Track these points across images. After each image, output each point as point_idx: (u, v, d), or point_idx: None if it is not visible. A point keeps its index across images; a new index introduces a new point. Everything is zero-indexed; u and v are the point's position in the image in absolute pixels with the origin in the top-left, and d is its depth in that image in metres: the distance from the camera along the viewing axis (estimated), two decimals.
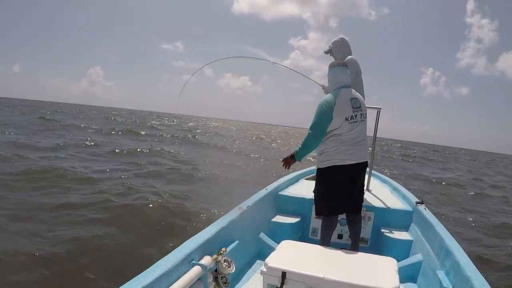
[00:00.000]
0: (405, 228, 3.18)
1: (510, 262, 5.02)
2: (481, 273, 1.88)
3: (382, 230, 3.15)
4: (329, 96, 2.71)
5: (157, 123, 43.71)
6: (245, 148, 20.35)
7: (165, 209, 6.02)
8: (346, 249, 2.64)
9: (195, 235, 2.26)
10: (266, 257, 2.09)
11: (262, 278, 2.03)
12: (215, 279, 2.20)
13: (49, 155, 10.82)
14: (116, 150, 13.20)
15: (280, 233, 3.18)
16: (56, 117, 32.51)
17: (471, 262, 2.02)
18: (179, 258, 1.96)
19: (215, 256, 2.22)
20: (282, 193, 3.64)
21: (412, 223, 3.16)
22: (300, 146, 2.80)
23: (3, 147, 11.15)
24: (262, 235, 3.06)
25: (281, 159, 2.95)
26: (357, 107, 2.69)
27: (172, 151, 14.82)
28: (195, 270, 2.01)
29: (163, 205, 6.22)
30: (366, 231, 3.26)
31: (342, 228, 3.27)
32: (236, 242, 2.59)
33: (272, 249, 2.30)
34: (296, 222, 3.33)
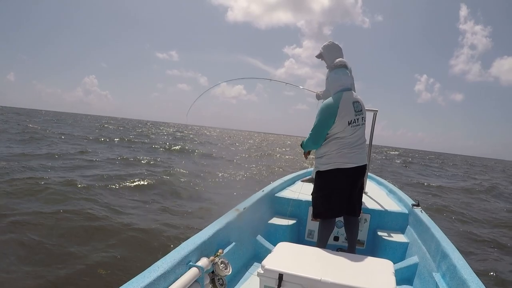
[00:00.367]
0: (401, 231, 3.20)
1: None
2: (478, 276, 1.89)
3: (379, 232, 3.16)
4: (330, 100, 2.68)
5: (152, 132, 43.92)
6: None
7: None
8: (342, 251, 2.65)
9: (192, 237, 2.25)
10: (263, 259, 2.09)
11: (259, 280, 2.02)
12: (212, 281, 2.20)
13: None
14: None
15: (276, 235, 3.18)
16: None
17: (468, 265, 2.03)
18: (176, 260, 1.95)
19: (212, 257, 2.21)
20: (278, 195, 3.64)
21: (408, 226, 3.17)
22: (302, 147, 2.89)
23: None
24: (259, 237, 3.06)
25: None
26: (359, 110, 2.68)
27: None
28: (192, 272, 2.00)
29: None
30: (362, 233, 3.27)
31: (338, 230, 3.28)
32: (233, 243, 2.58)
33: (268, 251, 2.30)
34: (293, 224, 3.33)
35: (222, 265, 2.22)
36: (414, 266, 2.61)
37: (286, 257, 2.16)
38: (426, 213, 3.02)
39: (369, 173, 4.25)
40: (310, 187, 4.18)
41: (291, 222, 3.34)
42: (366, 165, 2.81)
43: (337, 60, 2.92)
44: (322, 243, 2.82)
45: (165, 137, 35.98)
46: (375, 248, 3.13)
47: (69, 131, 27.91)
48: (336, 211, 2.81)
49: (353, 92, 2.78)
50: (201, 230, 2.38)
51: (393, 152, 63.44)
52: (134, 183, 8.82)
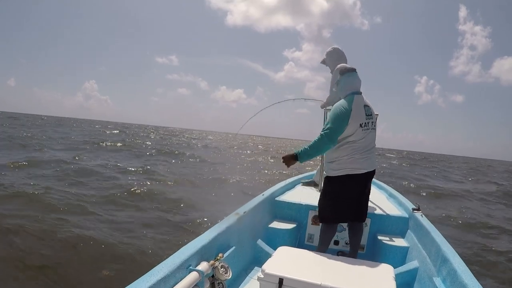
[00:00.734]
0: (402, 235, 3.19)
1: None
2: (478, 280, 1.89)
3: (379, 237, 3.16)
4: (343, 102, 2.65)
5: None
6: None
7: None
8: (343, 254, 2.64)
9: (192, 241, 2.25)
10: (263, 263, 2.09)
11: (259, 284, 2.02)
12: (212, 285, 2.19)
13: None
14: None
15: (276, 239, 3.18)
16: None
17: (468, 269, 2.02)
18: (176, 264, 1.95)
19: (212, 261, 2.21)
20: (278, 198, 3.64)
21: (409, 230, 3.17)
22: (306, 147, 2.68)
23: None
24: (259, 241, 3.05)
25: (282, 157, 2.82)
26: (369, 114, 2.67)
27: None
28: (192, 276, 2.00)
29: None
30: (362, 237, 3.26)
31: (338, 234, 3.28)
32: (233, 247, 2.58)
33: (269, 255, 2.30)
34: (293, 228, 3.33)
35: (222, 269, 2.21)
36: (414, 270, 2.61)
37: (286, 261, 2.16)
38: (427, 217, 3.02)
39: None
40: (310, 191, 4.17)
41: (291, 226, 3.34)
42: (375, 170, 2.80)
43: (343, 65, 2.91)
44: (323, 247, 2.81)
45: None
46: (375, 252, 3.13)
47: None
48: (343, 217, 2.81)
49: (363, 96, 2.76)
50: (202, 234, 2.38)
51: (389, 155, 62.53)
52: None
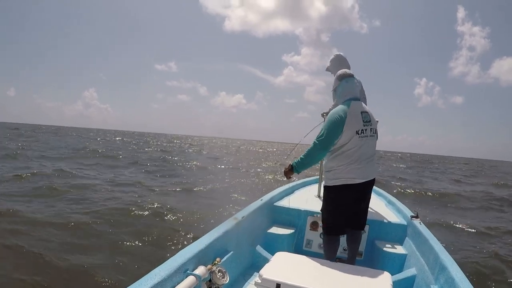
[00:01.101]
0: (400, 242, 3.19)
1: None
2: None
3: (377, 243, 3.15)
4: (340, 108, 2.61)
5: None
6: None
7: None
8: (340, 261, 2.64)
9: (190, 245, 2.25)
10: (261, 268, 2.08)
11: None
12: None
13: None
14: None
15: (275, 245, 3.18)
16: None
17: (466, 278, 2.02)
18: (174, 268, 1.95)
19: (209, 266, 2.20)
20: (277, 204, 3.64)
21: (407, 237, 3.16)
22: (301, 156, 2.68)
23: None
24: (257, 247, 3.05)
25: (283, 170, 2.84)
26: (367, 121, 2.61)
27: None
28: (189, 280, 2.00)
29: None
30: (361, 244, 3.26)
31: None
32: (231, 252, 2.58)
33: (266, 260, 2.30)
34: (291, 234, 3.33)
35: (219, 273, 2.21)
36: (412, 278, 2.60)
37: (284, 266, 2.16)
38: (425, 225, 3.02)
39: None
40: (309, 196, 4.17)
41: (289, 231, 3.34)
42: (375, 178, 2.76)
43: (341, 70, 2.90)
44: (328, 257, 2.79)
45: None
46: (373, 259, 3.12)
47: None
48: (341, 227, 2.78)
49: (362, 103, 2.73)
50: (199, 238, 2.38)
51: (393, 158, 61.81)
52: None
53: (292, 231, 3.36)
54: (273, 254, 2.35)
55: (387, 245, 3.11)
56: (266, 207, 3.45)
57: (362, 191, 2.70)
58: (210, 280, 2.19)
